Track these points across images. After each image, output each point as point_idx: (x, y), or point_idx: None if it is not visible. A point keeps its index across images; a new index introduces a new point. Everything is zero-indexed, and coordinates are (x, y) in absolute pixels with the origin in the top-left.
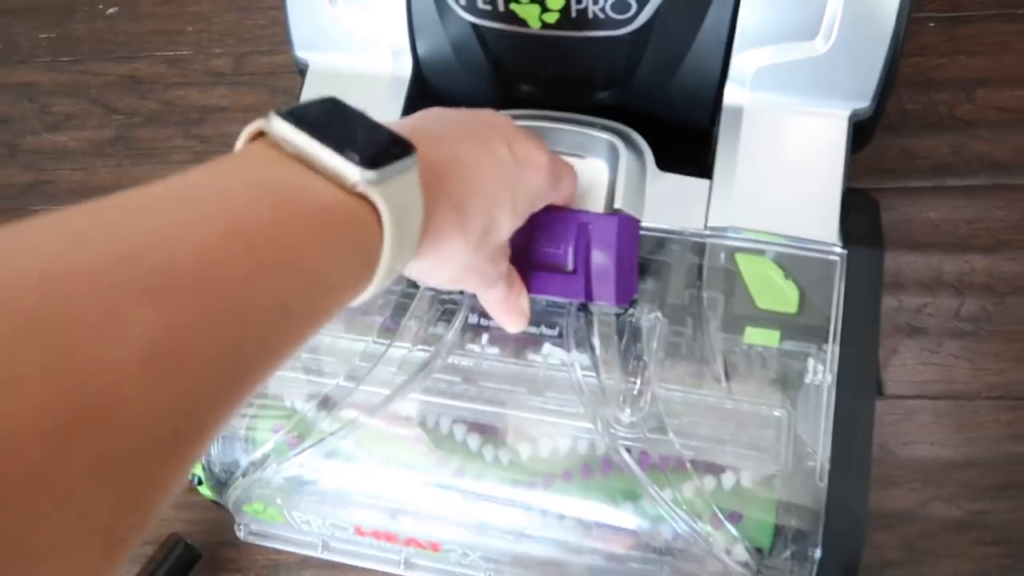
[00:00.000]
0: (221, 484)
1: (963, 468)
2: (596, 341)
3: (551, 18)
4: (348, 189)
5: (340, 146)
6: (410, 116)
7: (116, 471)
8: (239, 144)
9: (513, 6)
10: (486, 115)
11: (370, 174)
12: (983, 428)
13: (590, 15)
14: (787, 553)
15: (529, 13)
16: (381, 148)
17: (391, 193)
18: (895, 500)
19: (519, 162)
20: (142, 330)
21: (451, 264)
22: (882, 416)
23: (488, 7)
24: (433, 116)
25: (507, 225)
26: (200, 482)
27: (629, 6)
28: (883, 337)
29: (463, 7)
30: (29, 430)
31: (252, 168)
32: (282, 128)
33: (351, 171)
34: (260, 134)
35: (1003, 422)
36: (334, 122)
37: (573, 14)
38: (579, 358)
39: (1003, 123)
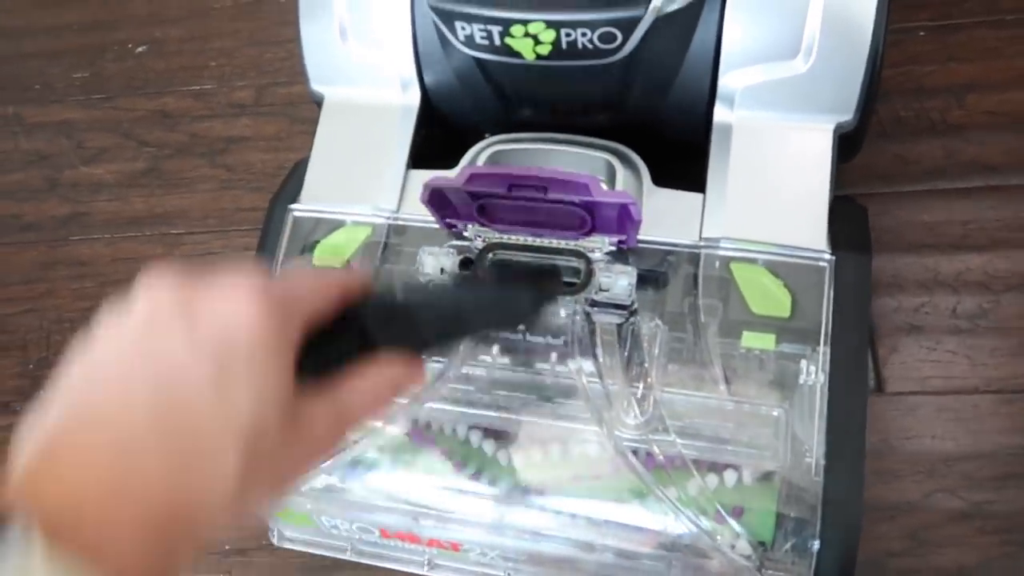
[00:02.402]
0: None
1: (964, 460)
2: (599, 349)
3: (544, 50)
4: None
5: None
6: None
7: None
8: None
9: (508, 40)
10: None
11: None
12: (983, 421)
13: (579, 46)
14: (788, 546)
15: (523, 46)
16: None
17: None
18: (898, 492)
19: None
20: None
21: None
22: (884, 412)
23: (486, 42)
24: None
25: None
26: None
27: (615, 36)
28: (883, 336)
29: (463, 43)
30: None
31: None
32: None
33: None
34: None
35: (1002, 415)
36: None
37: (564, 46)
38: (584, 365)
39: (994, 126)
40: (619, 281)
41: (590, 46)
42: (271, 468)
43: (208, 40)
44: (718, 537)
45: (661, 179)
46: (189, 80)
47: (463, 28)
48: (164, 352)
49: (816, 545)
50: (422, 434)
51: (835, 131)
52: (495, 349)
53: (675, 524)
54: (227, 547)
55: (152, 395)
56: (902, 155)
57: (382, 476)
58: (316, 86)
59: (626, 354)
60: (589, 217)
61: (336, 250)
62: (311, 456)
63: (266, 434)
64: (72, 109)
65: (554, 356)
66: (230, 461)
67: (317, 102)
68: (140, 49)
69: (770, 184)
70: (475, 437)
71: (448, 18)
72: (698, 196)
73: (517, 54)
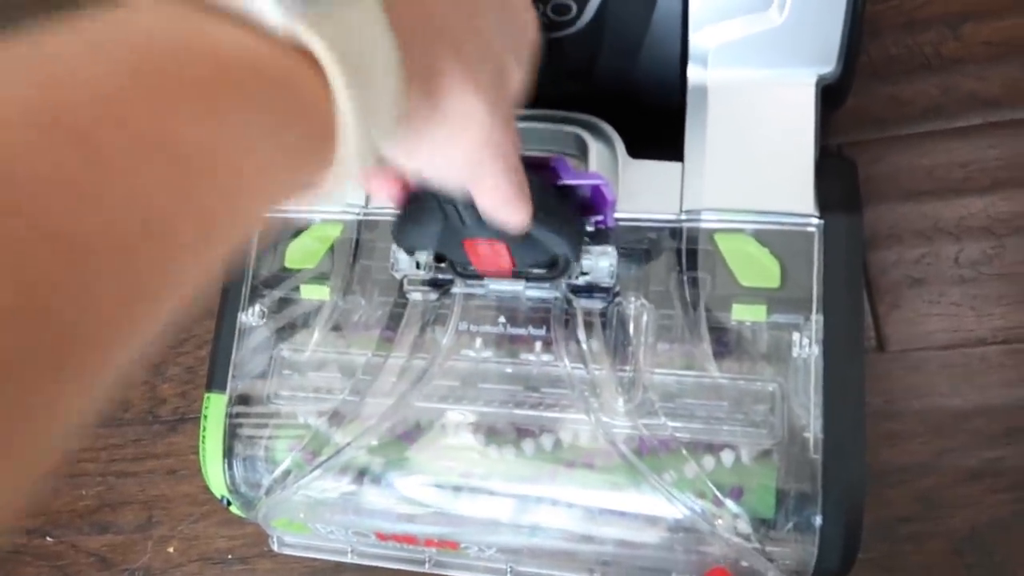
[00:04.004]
0: (249, 503)
1: (973, 416)
2: (581, 334)
3: None
4: (266, 32)
5: None
6: None
7: None
8: None
9: None
10: None
11: (296, 3)
12: (990, 374)
13: None
14: (790, 524)
15: None
16: None
17: (335, 32)
18: (906, 455)
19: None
20: None
21: (465, 134)
22: (887, 372)
23: None
24: None
25: (516, 74)
26: (229, 503)
27: (569, 8)
28: (883, 292)
29: None
30: None
31: (120, 24)
32: None
33: (267, 6)
34: None
35: (1010, 366)
36: None
37: None
38: (569, 353)
39: (992, 57)
40: (599, 263)
41: (545, 20)
42: (509, 108)
43: None
44: (718, 520)
45: (640, 149)
46: None
47: None
48: None
49: (819, 520)
50: (410, 434)
51: (817, 84)
52: (478, 343)
53: (672, 509)
54: (229, 556)
55: None
56: (895, 96)
57: (371, 479)
58: None
59: (612, 338)
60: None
61: (307, 249)
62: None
63: (515, 77)
64: None
65: (538, 346)
66: (512, 59)
67: None
68: None
69: (751, 146)
70: (463, 433)
71: None
72: (677, 166)
73: None
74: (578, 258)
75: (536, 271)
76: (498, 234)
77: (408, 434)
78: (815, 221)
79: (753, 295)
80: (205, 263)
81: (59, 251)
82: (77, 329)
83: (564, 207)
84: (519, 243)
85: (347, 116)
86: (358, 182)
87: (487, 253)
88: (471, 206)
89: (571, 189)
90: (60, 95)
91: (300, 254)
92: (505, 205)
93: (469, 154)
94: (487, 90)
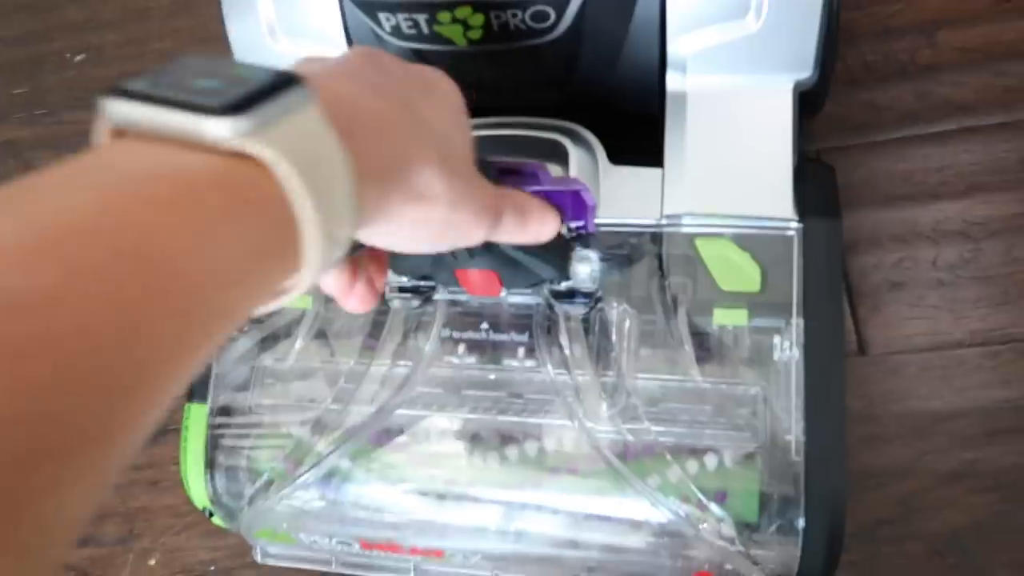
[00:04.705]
0: (231, 514)
1: (952, 419)
2: (564, 340)
3: (475, 35)
4: (219, 151)
5: (192, 103)
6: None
7: None
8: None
9: (437, 28)
10: (427, 72)
11: (240, 123)
12: (969, 376)
13: (512, 28)
14: (774, 527)
15: (454, 32)
16: (250, 89)
17: (281, 139)
18: (886, 458)
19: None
20: None
21: (433, 205)
22: (868, 376)
23: (413, 31)
24: (353, 60)
25: (459, 137)
26: (211, 515)
27: (548, 15)
28: (864, 296)
29: (391, 34)
30: None
31: (79, 167)
32: (117, 109)
33: (213, 127)
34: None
35: (988, 368)
36: (184, 77)
37: (496, 28)
38: (552, 359)
39: (966, 63)
40: (581, 268)
41: (523, 27)
42: (468, 173)
43: (147, 43)
44: (703, 524)
45: (620, 155)
46: None
47: (388, 19)
48: (387, 68)
49: (802, 523)
50: (394, 442)
51: (795, 89)
52: (461, 349)
53: (657, 514)
54: (212, 568)
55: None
56: (872, 102)
57: (354, 487)
58: None
59: (595, 343)
60: None
61: None
62: (481, 205)
63: (460, 155)
64: (15, 128)
65: (521, 352)
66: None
67: None
68: (79, 58)
69: (730, 152)
70: (447, 440)
71: (370, 9)
72: (657, 171)
73: (449, 41)
74: (567, 278)
75: None
76: (489, 264)
77: (391, 442)
78: (795, 225)
79: (734, 299)
80: (185, 363)
81: (47, 353)
82: (71, 426)
83: None
84: (509, 270)
85: (306, 208)
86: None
87: (478, 281)
88: None
89: (552, 197)
90: (41, 218)
91: None
92: (537, 228)
93: (444, 222)
94: (443, 161)
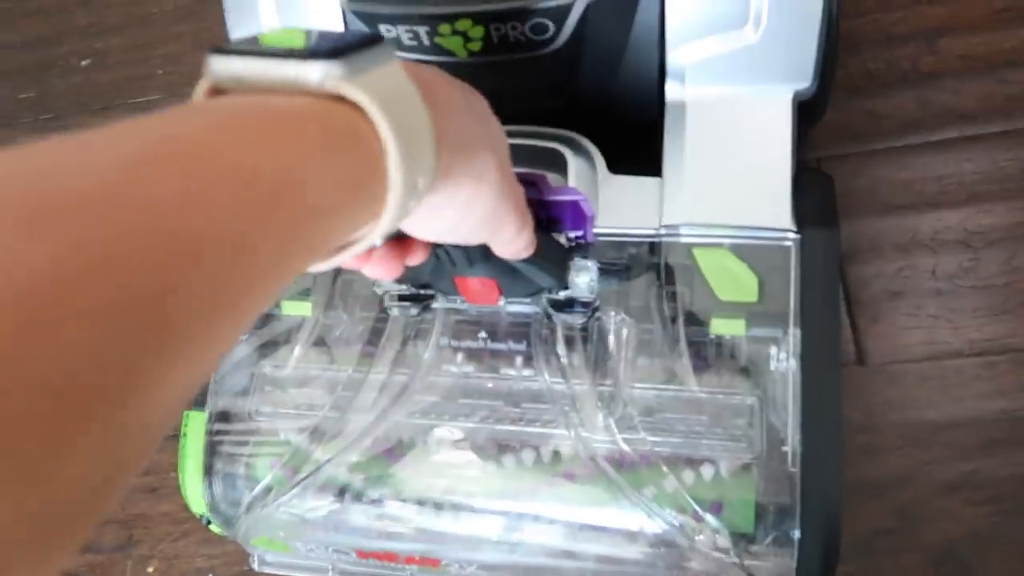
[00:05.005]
0: (229, 522)
1: (950, 429)
2: (562, 349)
3: (475, 47)
4: (318, 94)
5: (293, 51)
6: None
7: None
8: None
9: (439, 40)
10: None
11: (337, 67)
12: (966, 387)
13: (512, 39)
14: (770, 538)
15: (454, 44)
16: (345, 41)
17: (372, 84)
18: (884, 468)
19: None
20: (14, 272)
21: (487, 191)
22: (867, 385)
23: (414, 43)
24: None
25: (503, 150)
26: (209, 522)
27: (547, 27)
28: (863, 305)
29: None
30: None
31: (189, 106)
32: (223, 64)
33: (312, 71)
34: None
35: (985, 378)
36: (282, 40)
37: (496, 40)
38: (549, 368)
39: (968, 71)
40: (579, 278)
41: (523, 39)
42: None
43: (152, 47)
44: (698, 535)
45: (619, 165)
46: (135, 92)
47: (388, 31)
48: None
49: (798, 534)
50: (391, 450)
51: (794, 99)
52: (459, 358)
53: (653, 524)
54: (210, 575)
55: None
56: (874, 110)
57: (351, 496)
58: None
59: (592, 353)
60: (543, 215)
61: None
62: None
63: (507, 156)
64: (22, 132)
65: (519, 361)
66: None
67: None
68: (85, 63)
69: (729, 162)
70: (444, 449)
71: (370, 21)
72: (656, 181)
73: (450, 53)
74: (565, 287)
75: None
76: (488, 272)
77: (389, 450)
78: (792, 235)
79: (732, 309)
80: (278, 282)
81: (172, 248)
82: (179, 323)
83: (549, 239)
84: (508, 278)
85: (394, 151)
86: (358, 267)
87: (477, 289)
88: (461, 250)
89: (551, 207)
90: (162, 136)
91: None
92: (523, 248)
93: (487, 210)
94: (499, 150)
